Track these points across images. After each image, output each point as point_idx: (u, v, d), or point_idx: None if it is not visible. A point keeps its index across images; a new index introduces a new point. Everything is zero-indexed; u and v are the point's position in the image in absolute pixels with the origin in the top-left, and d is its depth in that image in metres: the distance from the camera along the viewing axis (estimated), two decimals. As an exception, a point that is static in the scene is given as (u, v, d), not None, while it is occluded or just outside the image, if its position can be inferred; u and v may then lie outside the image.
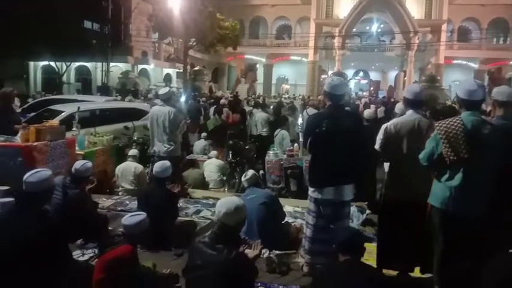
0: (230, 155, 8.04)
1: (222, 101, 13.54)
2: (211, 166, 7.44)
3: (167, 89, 6.85)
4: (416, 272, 3.56)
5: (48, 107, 8.80)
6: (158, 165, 4.51)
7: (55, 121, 6.59)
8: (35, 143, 5.45)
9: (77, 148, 6.29)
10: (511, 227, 3.46)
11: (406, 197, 3.40)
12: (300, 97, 24.59)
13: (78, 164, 4.39)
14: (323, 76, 35.68)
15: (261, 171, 7.23)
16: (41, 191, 2.90)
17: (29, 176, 2.89)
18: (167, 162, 4.61)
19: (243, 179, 4.72)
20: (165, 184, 4.56)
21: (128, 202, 5.50)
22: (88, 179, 4.56)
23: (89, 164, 4.48)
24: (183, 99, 14.22)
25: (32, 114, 8.79)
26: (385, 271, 3.41)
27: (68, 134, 6.38)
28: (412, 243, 3.51)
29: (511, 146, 3.01)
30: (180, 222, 4.59)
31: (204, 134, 9.72)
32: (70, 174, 4.45)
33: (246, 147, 8.54)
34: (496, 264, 1.27)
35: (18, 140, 5.61)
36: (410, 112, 3.57)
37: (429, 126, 3.46)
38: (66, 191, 4.20)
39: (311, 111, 8.41)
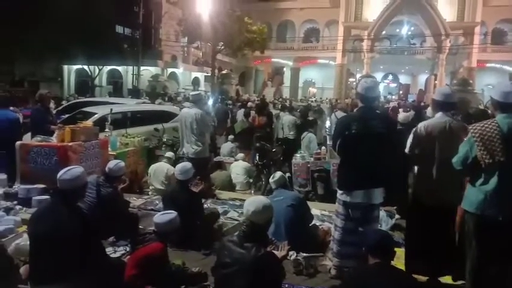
0: (257, 157, 8.07)
1: (249, 104, 13.60)
2: (238, 168, 7.50)
3: (198, 91, 6.99)
4: (448, 279, 3.48)
5: (81, 109, 9.07)
6: (179, 168, 4.53)
7: (88, 122, 6.81)
8: (70, 143, 5.64)
9: (109, 149, 6.47)
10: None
11: (435, 200, 3.34)
12: (327, 100, 24.41)
13: (112, 164, 4.52)
14: (351, 79, 35.34)
15: (288, 174, 7.22)
16: (75, 188, 2.99)
17: (63, 173, 2.98)
18: (188, 164, 4.64)
19: (270, 180, 4.74)
20: (188, 186, 4.56)
21: (157, 202, 5.61)
22: (121, 178, 4.69)
23: (122, 163, 4.60)
24: (210, 102, 14.39)
25: (66, 115, 9.11)
26: (415, 276, 3.35)
27: (101, 135, 6.57)
28: (440, 247, 3.44)
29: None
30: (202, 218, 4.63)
31: (231, 137, 9.80)
32: (103, 173, 4.59)
33: (273, 150, 8.55)
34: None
35: (54, 140, 5.82)
36: (439, 114, 3.52)
37: (461, 129, 3.39)
38: (100, 190, 4.33)
39: (340, 114, 8.36)
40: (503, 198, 2.88)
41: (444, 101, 3.51)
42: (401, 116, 7.02)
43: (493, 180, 2.91)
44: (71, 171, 3.03)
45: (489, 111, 5.71)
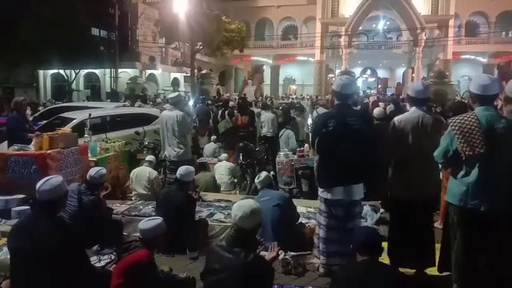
0: (241, 157, 8.05)
1: (231, 103, 13.55)
2: (222, 169, 7.46)
3: (177, 93, 6.91)
4: (434, 271, 3.53)
5: (59, 115, 8.90)
6: (182, 169, 4.52)
7: (67, 128, 6.66)
8: (49, 151, 5.50)
9: (89, 154, 6.34)
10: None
11: (410, 193, 3.39)
12: (308, 97, 24.54)
13: (93, 171, 4.43)
14: (330, 75, 35.61)
15: (272, 172, 7.22)
16: (55, 198, 2.91)
17: (42, 184, 2.89)
18: (191, 167, 4.67)
19: (256, 180, 4.73)
20: (187, 188, 4.58)
21: (141, 207, 5.53)
22: (103, 186, 4.61)
23: (104, 170, 4.52)
24: (191, 102, 14.29)
25: (44, 122, 8.90)
26: (402, 270, 3.39)
27: (80, 141, 6.44)
28: (420, 240, 3.50)
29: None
30: (193, 222, 4.60)
31: (214, 137, 9.74)
32: (85, 181, 4.50)
33: (256, 149, 8.55)
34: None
35: (32, 148, 5.67)
36: (413, 109, 3.57)
37: (434, 123, 3.45)
38: (82, 198, 4.24)
39: (321, 110, 8.39)
40: (484, 189, 2.93)
41: (416, 96, 3.56)
42: (377, 111, 7.07)
43: (474, 172, 2.96)
44: (50, 181, 2.94)
45: (467, 103, 5.83)
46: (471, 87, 3.14)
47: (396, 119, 3.61)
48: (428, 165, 3.40)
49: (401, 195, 3.50)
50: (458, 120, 2.99)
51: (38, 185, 2.91)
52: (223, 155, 7.97)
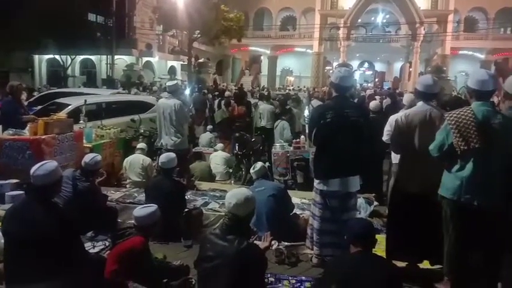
0: (236, 147, 8.04)
1: (227, 93, 13.50)
2: (218, 158, 7.46)
3: (175, 81, 6.87)
4: (426, 264, 3.57)
5: (55, 100, 8.82)
6: (163, 157, 4.58)
7: (62, 114, 6.62)
8: (43, 136, 5.47)
9: (84, 141, 6.31)
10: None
11: (418, 188, 3.40)
12: (305, 89, 24.50)
13: (88, 158, 4.42)
14: (328, 67, 35.53)
15: (267, 163, 7.23)
16: (49, 183, 2.90)
17: (36, 169, 2.88)
18: (172, 154, 4.68)
19: (251, 171, 4.74)
20: (172, 175, 4.60)
21: (136, 194, 5.52)
22: (98, 172, 4.60)
23: (99, 157, 4.51)
24: (188, 91, 14.22)
25: (39, 107, 8.83)
26: (394, 262, 3.42)
27: (75, 127, 6.40)
28: (422, 235, 3.51)
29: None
30: (187, 212, 4.62)
31: (210, 127, 9.72)
32: (80, 168, 4.49)
33: (252, 139, 8.54)
34: (507, 256, 1.27)
35: (26, 133, 5.63)
36: (421, 103, 3.55)
37: (441, 118, 3.45)
38: (76, 184, 4.24)
39: (316, 103, 8.40)
40: (478, 184, 2.95)
41: (425, 91, 3.54)
42: (373, 104, 7.08)
43: (469, 167, 2.98)
44: (44, 166, 2.92)
45: (464, 98, 5.83)
46: (469, 82, 3.15)
47: (404, 113, 3.61)
48: (436, 160, 3.38)
49: (407, 188, 3.49)
50: (454, 115, 3.00)
51: (32, 170, 2.89)
52: (219, 145, 7.96)
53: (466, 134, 2.92)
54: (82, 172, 4.38)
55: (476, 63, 34.58)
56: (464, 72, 33.23)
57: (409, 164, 3.52)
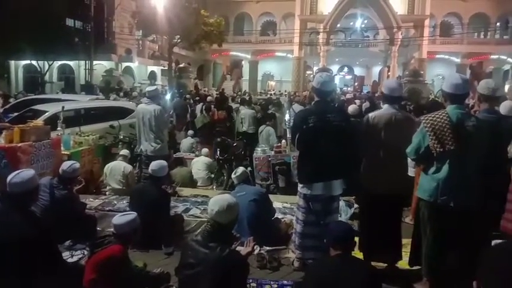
0: (218, 152, 8.02)
1: (209, 98, 13.48)
2: (199, 164, 7.42)
3: (155, 86, 6.83)
4: (405, 265, 3.62)
5: (31, 107, 8.66)
6: (155, 164, 4.48)
7: (39, 121, 6.49)
8: (19, 144, 5.35)
9: (62, 148, 6.20)
10: (495, 218, 3.56)
11: (382, 190, 3.46)
12: (286, 93, 24.62)
13: (66, 165, 4.33)
14: (308, 72, 35.83)
15: (249, 168, 7.24)
16: (26, 192, 2.88)
17: (13, 177, 2.86)
18: (163, 162, 4.60)
19: (233, 176, 4.73)
20: (161, 183, 4.54)
21: (115, 202, 5.45)
22: (76, 180, 4.51)
23: (77, 164, 4.42)
24: (168, 96, 14.13)
25: (15, 114, 8.64)
26: (374, 264, 3.46)
27: (53, 134, 6.28)
28: (389, 235, 3.58)
29: (495, 139, 3.09)
30: (168, 218, 4.57)
31: (191, 132, 9.67)
32: (57, 175, 4.39)
33: (234, 144, 8.54)
34: (491, 253, 1.30)
35: (1, 141, 5.50)
36: (386, 106, 3.64)
37: (406, 121, 3.53)
38: (54, 192, 4.14)
39: (297, 107, 8.45)
40: (454, 185, 3.02)
41: (390, 94, 3.63)
42: (351, 108, 7.17)
43: (445, 169, 3.05)
44: (21, 174, 2.90)
45: (441, 101, 5.97)
46: (444, 86, 3.23)
47: (370, 115, 3.68)
48: (399, 162, 3.48)
49: (373, 190, 3.57)
50: (430, 118, 3.07)
51: (8, 178, 2.86)
52: (204, 150, 7.91)
53: (441, 137, 2.98)
54: (60, 180, 4.28)
55: (453, 67, 35.42)
56: (441, 75, 34.02)
57: (373, 165, 3.58)
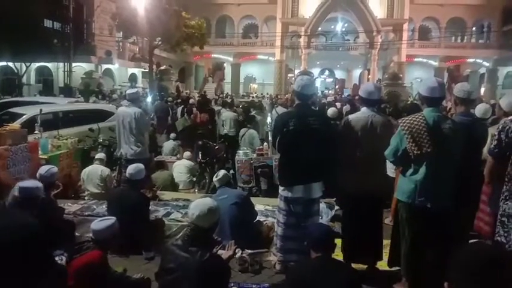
0: (200, 155, 7.98)
1: (191, 101, 13.41)
2: (181, 167, 7.36)
3: (135, 89, 6.77)
4: (384, 265, 3.67)
5: (8, 110, 8.45)
6: (132, 168, 4.43)
7: (16, 124, 6.35)
8: (-5, 148, 5.23)
9: (40, 152, 6.08)
10: (470, 219, 3.65)
11: (360, 192, 3.51)
12: (268, 96, 24.71)
13: (43, 170, 4.24)
14: (290, 75, 36.04)
15: (231, 171, 7.23)
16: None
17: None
18: (141, 165, 4.54)
19: (214, 179, 4.71)
20: (139, 187, 4.48)
21: (95, 207, 5.35)
22: (53, 184, 4.42)
23: (55, 169, 4.34)
24: (149, 99, 14.01)
25: (-10, 117, 8.42)
26: (354, 265, 3.50)
27: (30, 138, 6.16)
28: (369, 236, 3.63)
29: (469, 141, 3.16)
30: (148, 223, 4.52)
31: (173, 135, 9.59)
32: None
33: (216, 147, 8.51)
34: (459, 254, 1.32)
35: (-24, 145, 5.36)
36: (364, 109, 3.69)
37: (383, 123, 3.59)
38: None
39: (280, 110, 8.48)
40: (431, 187, 3.08)
41: (368, 97, 3.68)
42: (330, 111, 7.23)
43: (422, 171, 3.11)
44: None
45: (419, 104, 6.09)
46: (420, 89, 3.30)
47: (347, 118, 3.72)
48: (377, 163, 3.53)
49: (352, 192, 3.61)
50: (407, 121, 3.13)
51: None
52: (186, 153, 7.84)
53: (418, 139, 3.04)
54: None
55: (431, 70, 36.20)
56: (420, 78, 34.61)
57: (351, 167, 3.62)
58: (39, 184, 3.22)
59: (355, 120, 3.60)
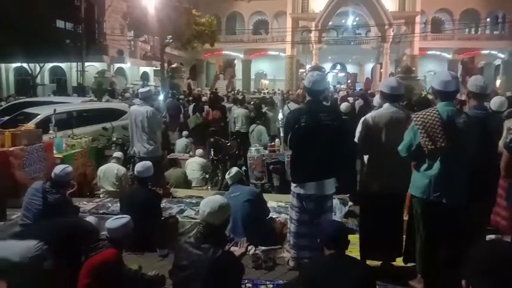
0: (212, 152, 8.01)
1: (204, 98, 13.45)
2: (193, 164, 7.40)
3: (148, 88, 6.81)
4: (399, 262, 3.64)
5: (23, 110, 8.59)
6: (140, 165, 4.50)
7: (31, 124, 6.45)
8: (11, 148, 5.33)
9: (54, 151, 6.17)
10: (487, 214, 3.59)
11: (385, 188, 3.47)
12: (279, 92, 24.64)
13: (58, 169, 4.29)
14: (301, 70, 35.90)
15: (244, 168, 7.24)
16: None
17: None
18: (148, 162, 4.59)
19: (227, 176, 4.72)
20: (148, 184, 4.53)
21: (109, 205, 5.42)
22: (69, 184, 4.48)
23: (69, 168, 4.38)
24: (161, 97, 14.08)
25: (6, 118, 8.57)
26: (369, 262, 3.48)
27: (45, 138, 6.25)
28: (392, 233, 3.59)
29: (484, 135, 3.11)
30: (162, 220, 4.57)
31: (185, 132, 9.65)
32: (50, 179, 4.36)
33: (228, 144, 8.53)
34: (476, 250, 1.30)
35: (-7, 145, 5.46)
36: (386, 105, 3.62)
37: (407, 119, 3.53)
38: (47, 197, 4.10)
39: (292, 106, 8.44)
40: (446, 182, 3.04)
41: (390, 93, 3.61)
42: (343, 106, 7.17)
43: (436, 166, 3.06)
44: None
45: (431, 98, 6.00)
46: (433, 83, 3.24)
47: (370, 115, 3.66)
48: (402, 160, 3.47)
49: (375, 188, 3.56)
50: (421, 116, 3.08)
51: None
52: (199, 151, 7.89)
53: (432, 134, 3.00)
54: (52, 184, 4.24)
55: (444, 63, 35.70)
56: (433, 71, 34.14)
57: (375, 165, 3.58)
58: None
59: (378, 117, 3.55)
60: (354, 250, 3.60)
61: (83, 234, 3.27)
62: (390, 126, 3.49)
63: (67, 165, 4.48)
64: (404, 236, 3.58)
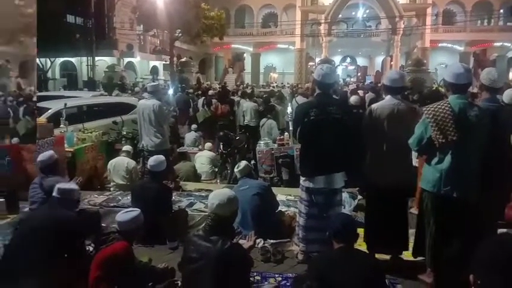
0: (221, 146, 8.03)
1: (211, 92, 13.46)
2: (203, 158, 7.43)
3: (156, 82, 6.85)
4: (409, 256, 3.62)
5: (34, 105, 8.67)
6: (153, 159, 4.52)
7: (42, 118, 6.52)
8: (23, 142, 5.39)
9: (65, 145, 6.23)
10: (499, 208, 3.55)
11: (387, 181, 3.45)
12: (288, 85, 24.54)
13: (41, 157, 4.43)
14: (310, 63, 35.65)
15: (252, 161, 7.25)
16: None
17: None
18: (161, 157, 4.63)
19: (235, 170, 4.73)
20: (160, 178, 4.56)
21: (120, 198, 5.47)
22: (57, 165, 4.59)
23: (50, 152, 4.57)
24: (171, 91, 14.12)
25: (18, 112, 8.66)
26: (377, 256, 3.46)
27: (56, 132, 6.31)
28: (396, 226, 3.58)
29: (496, 129, 3.06)
30: (172, 213, 4.60)
31: (194, 126, 9.68)
32: (39, 169, 4.44)
33: (237, 137, 8.54)
34: (484, 245, 1.28)
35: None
36: (388, 97, 3.60)
37: (408, 111, 3.50)
38: (42, 183, 4.19)
39: (300, 99, 8.42)
40: (457, 175, 3.01)
41: (392, 85, 3.58)
42: (353, 99, 7.10)
43: (447, 159, 3.03)
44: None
45: (443, 91, 5.93)
46: (445, 76, 3.20)
47: (372, 107, 3.65)
48: (403, 152, 3.46)
49: (377, 182, 3.55)
50: (432, 109, 3.05)
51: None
52: (208, 144, 7.92)
53: (443, 127, 2.96)
54: (41, 171, 4.37)
55: (456, 55, 35.16)
56: (444, 64, 33.66)
57: (378, 157, 3.55)
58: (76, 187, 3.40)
59: (380, 109, 3.52)
60: (363, 244, 3.60)
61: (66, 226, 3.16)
62: (392, 119, 3.47)
63: (48, 151, 4.56)
64: (414, 230, 3.56)
